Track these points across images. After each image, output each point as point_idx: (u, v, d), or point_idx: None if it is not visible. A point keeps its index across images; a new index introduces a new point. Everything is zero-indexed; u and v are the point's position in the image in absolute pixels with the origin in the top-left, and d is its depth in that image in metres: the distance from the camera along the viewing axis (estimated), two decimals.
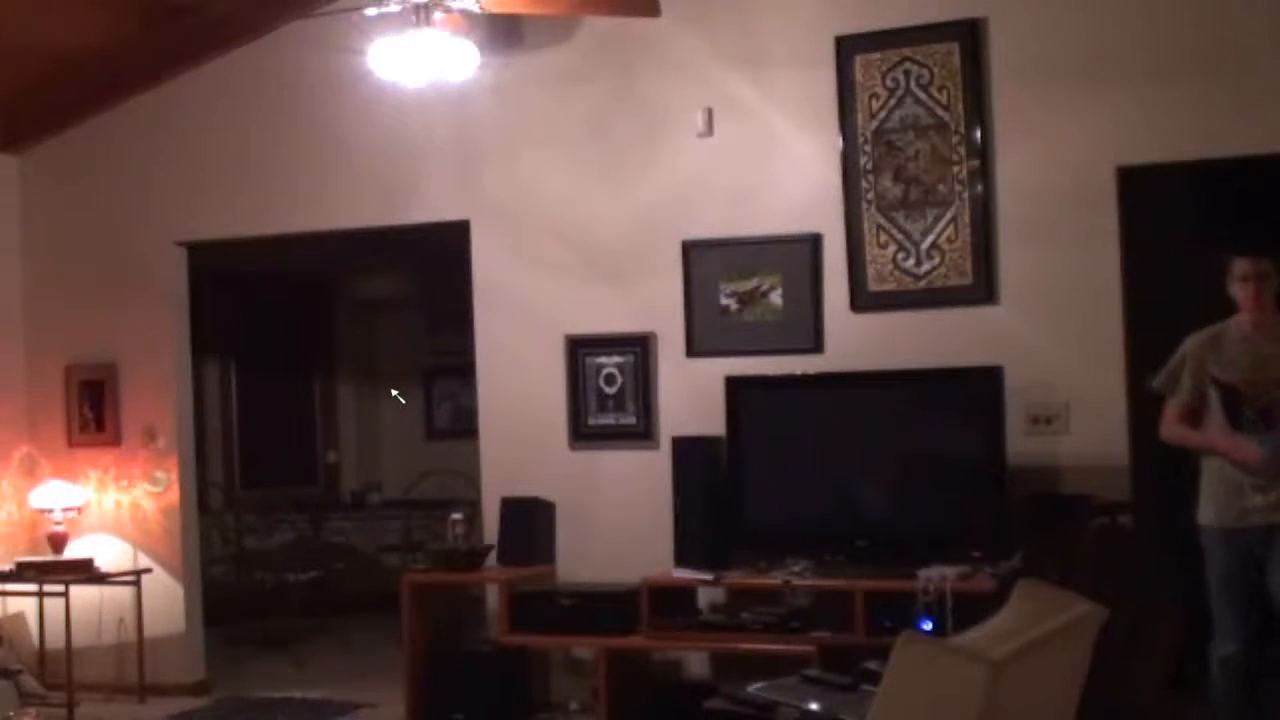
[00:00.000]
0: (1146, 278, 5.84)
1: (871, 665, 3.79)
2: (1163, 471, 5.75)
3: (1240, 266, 4.88)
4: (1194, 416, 4.97)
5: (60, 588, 6.93)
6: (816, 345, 6.13)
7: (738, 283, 6.28)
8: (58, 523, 7.26)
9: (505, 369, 6.69)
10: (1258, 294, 4.87)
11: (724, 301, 6.30)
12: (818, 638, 5.49)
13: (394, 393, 11.29)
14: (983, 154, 5.87)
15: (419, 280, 10.43)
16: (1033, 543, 5.26)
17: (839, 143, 6.09)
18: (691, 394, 6.30)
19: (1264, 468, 4.74)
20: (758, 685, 4.03)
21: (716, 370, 6.17)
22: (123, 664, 7.26)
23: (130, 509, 7.40)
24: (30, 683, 7.06)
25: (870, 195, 6.04)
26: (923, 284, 5.96)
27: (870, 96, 6.04)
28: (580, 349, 6.55)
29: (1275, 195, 6.39)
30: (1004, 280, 5.84)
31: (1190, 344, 4.99)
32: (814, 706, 3.83)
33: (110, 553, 7.34)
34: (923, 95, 5.96)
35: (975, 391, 5.64)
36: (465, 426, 8.09)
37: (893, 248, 6.00)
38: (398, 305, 11.12)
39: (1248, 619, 4.85)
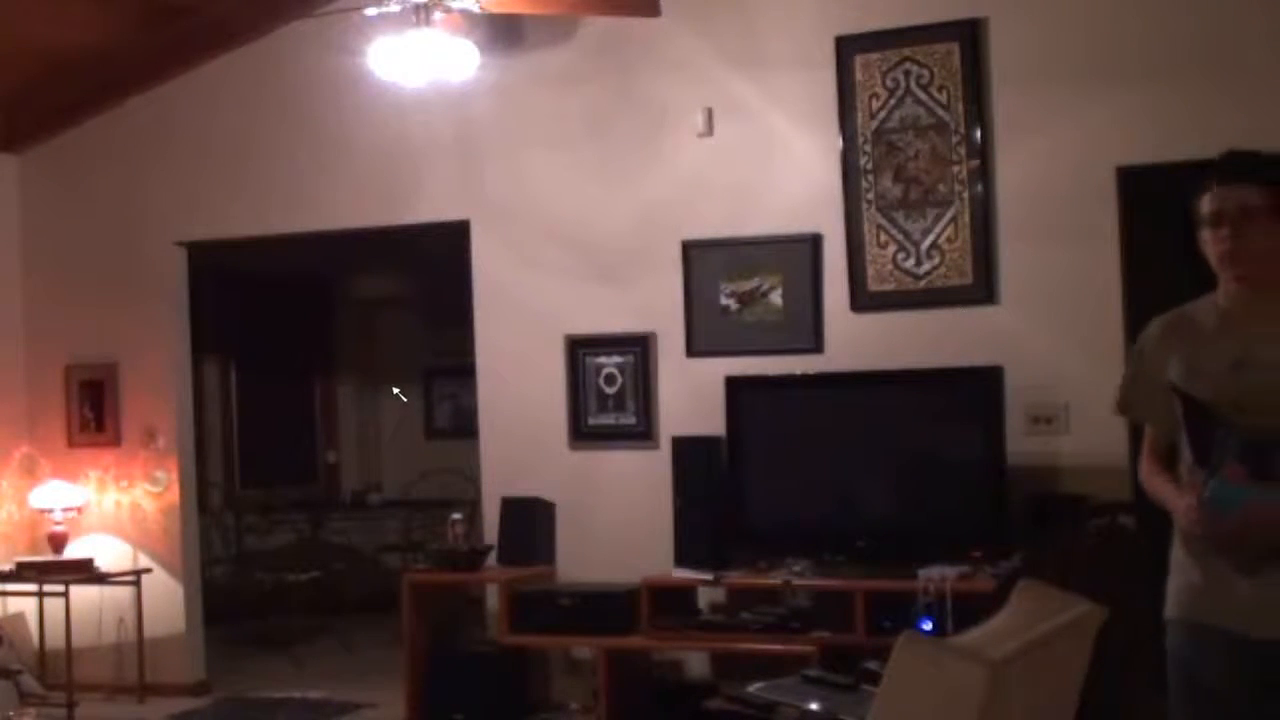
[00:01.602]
0: (1146, 278, 5.84)
1: (871, 665, 3.79)
2: None
3: (1208, 202, 2.99)
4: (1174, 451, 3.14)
5: (60, 588, 6.93)
6: (816, 345, 6.13)
7: (738, 283, 6.28)
8: (58, 523, 7.26)
9: (505, 369, 6.69)
10: (1237, 243, 2.93)
11: (724, 301, 6.30)
12: (818, 638, 5.49)
13: (395, 390, 11.28)
14: (983, 154, 5.86)
15: (419, 280, 10.43)
16: (1033, 543, 5.26)
17: (839, 143, 6.09)
18: (691, 394, 6.30)
19: (1204, 530, 2.91)
20: (758, 685, 4.03)
21: (716, 370, 6.16)
22: (123, 664, 7.26)
23: (130, 509, 7.40)
24: (30, 683, 7.06)
25: (870, 195, 6.04)
26: (923, 284, 5.96)
27: (870, 96, 6.04)
28: (580, 349, 6.55)
29: None
30: (1004, 280, 5.84)
31: (1146, 335, 3.20)
32: (814, 706, 3.83)
33: (110, 553, 7.34)
34: (923, 95, 5.96)
35: (975, 391, 5.64)
36: (465, 426, 8.09)
37: (893, 248, 6.00)
38: (398, 305, 11.12)
39: None
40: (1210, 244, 3.00)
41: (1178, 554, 3.06)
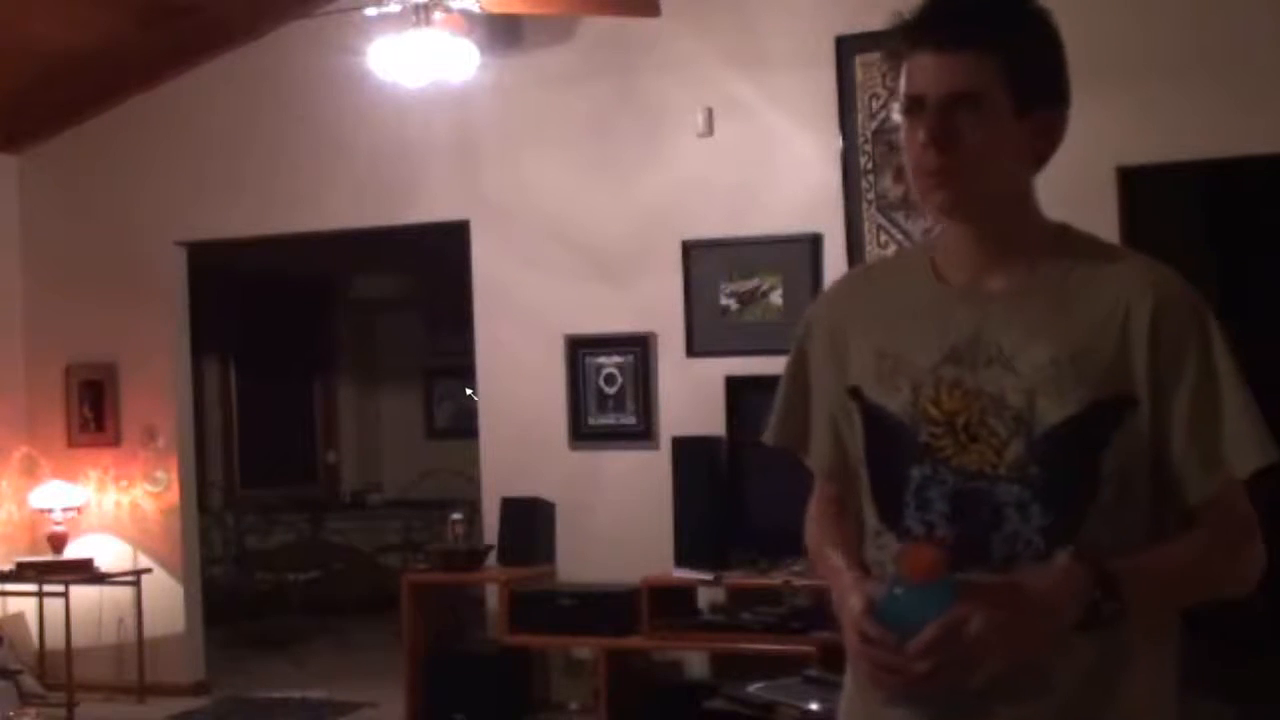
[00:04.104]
0: None
1: None
2: None
3: (913, 75, 1.75)
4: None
5: (60, 588, 6.93)
6: None
7: (738, 283, 6.28)
8: (58, 523, 7.25)
9: (505, 369, 6.69)
10: (944, 153, 1.71)
11: (724, 301, 6.30)
12: (818, 638, 5.49)
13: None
14: None
15: (419, 280, 10.43)
16: None
17: (839, 143, 6.09)
18: (691, 394, 6.30)
19: (877, 668, 1.65)
20: (758, 685, 4.04)
21: (716, 370, 6.17)
22: (123, 664, 7.26)
23: (130, 509, 7.39)
24: (30, 683, 7.05)
25: (870, 195, 6.04)
26: None
27: (870, 96, 6.04)
28: (580, 349, 6.55)
29: (1277, 195, 6.40)
30: None
31: (814, 308, 2.03)
32: (814, 706, 3.83)
33: (110, 553, 7.33)
34: None
35: None
36: (465, 426, 8.09)
37: (893, 248, 6.00)
38: (398, 305, 11.12)
39: None
40: (911, 152, 1.76)
41: (847, 685, 1.87)
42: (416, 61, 5.27)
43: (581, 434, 6.56)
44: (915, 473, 1.75)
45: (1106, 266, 1.77)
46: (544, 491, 6.52)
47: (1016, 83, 1.71)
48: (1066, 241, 1.81)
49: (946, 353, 1.75)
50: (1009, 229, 1.80)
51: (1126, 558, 1.64)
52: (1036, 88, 1.74)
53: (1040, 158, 1.81)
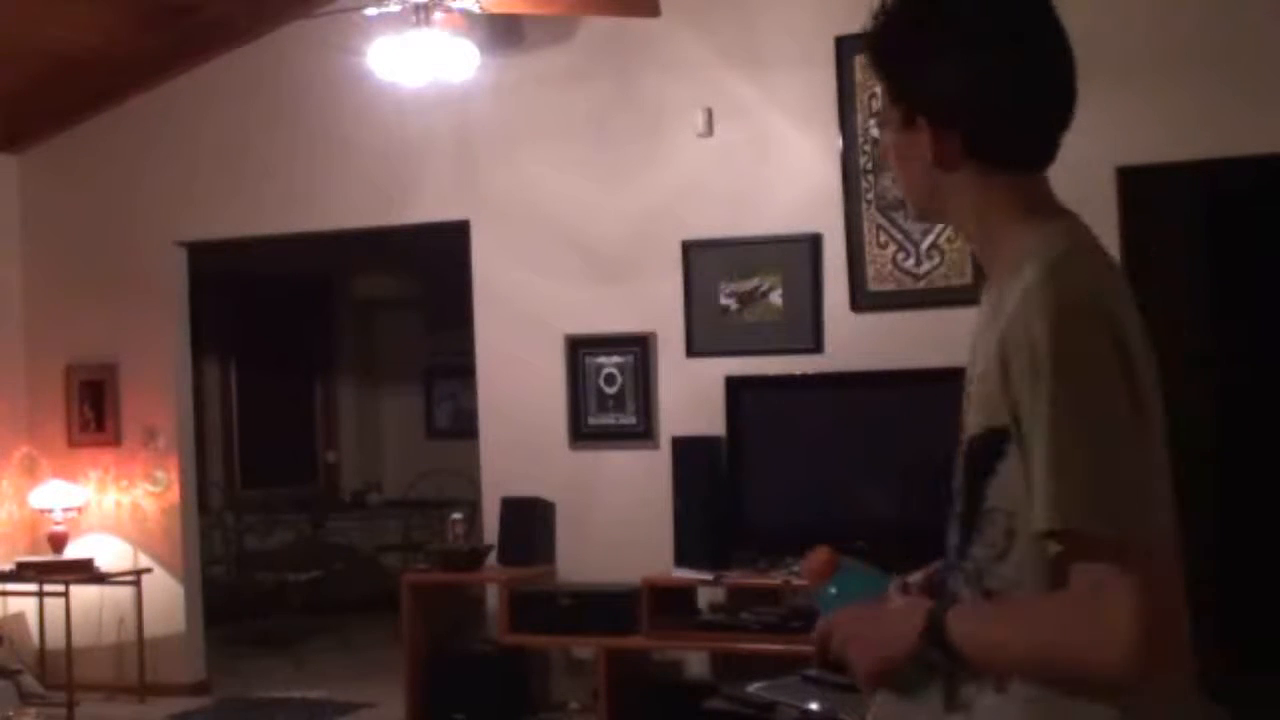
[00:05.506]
0: (1146, 278, 5.83)
1: None
2: None
3: None
4: None
5: (60, 588, 6.93)
6: (816, 345, 6.13)
7: (738, 283, 6.28)
8: (58, 523, 7.25)
9: (505, 369, 6.69)
10: (902, 168, 1.77)
11: (724, 301, 6.30)
12: None
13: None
14: None
15: (419, 280, 10.43)
16: None
17: (839, 143, 6.09)
18: (691, 394, 6.30)
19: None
20: (758, 685, 4.04)
21: (716, 370, 6.17)
22: (123, 664, 7.26)
23: (130, 509, 7.39)
24: (30, 683, 7.06)
25: (870, 195, 6.04)
26: (923, 284, 5.96)
27: (870, 96, 6.03)
28: (580, 349, 6.55)
29: (1277, 195, 6.39)
30: None
31: None
32: (814, 706, 3.84)
33: (110, 553, 7.33)
34: None
35: None
36: (465, 426, 8.09)
37: (892, 248, 6.00)
38: (398, 305, 11.11)
39: None
40: None
41: None
42: (416, 61, 5.27)
43: (581, 434, 6.56)
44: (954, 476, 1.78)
45: (1022, 288, 1.58)
46: (544, 491, 6.52)
47: (896, 94, 1.69)
48: (1032, 254, 1.62)
49: (969, 365, 1.71)
50: (983, 240, 1.70)
51: (975, 605, 1.63)
52: (908, 96, 1.69)
53: (983, 164, 1.68)
